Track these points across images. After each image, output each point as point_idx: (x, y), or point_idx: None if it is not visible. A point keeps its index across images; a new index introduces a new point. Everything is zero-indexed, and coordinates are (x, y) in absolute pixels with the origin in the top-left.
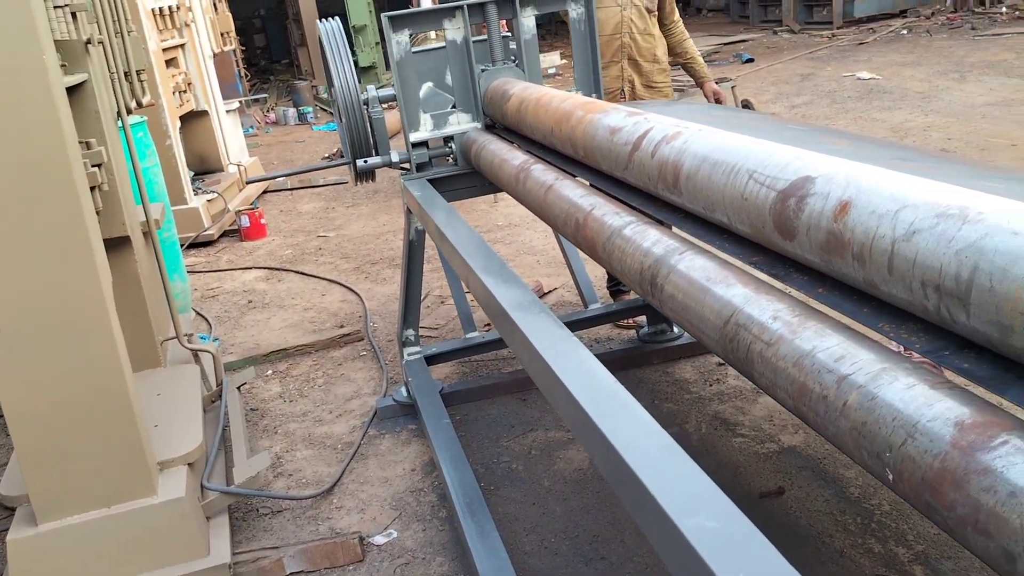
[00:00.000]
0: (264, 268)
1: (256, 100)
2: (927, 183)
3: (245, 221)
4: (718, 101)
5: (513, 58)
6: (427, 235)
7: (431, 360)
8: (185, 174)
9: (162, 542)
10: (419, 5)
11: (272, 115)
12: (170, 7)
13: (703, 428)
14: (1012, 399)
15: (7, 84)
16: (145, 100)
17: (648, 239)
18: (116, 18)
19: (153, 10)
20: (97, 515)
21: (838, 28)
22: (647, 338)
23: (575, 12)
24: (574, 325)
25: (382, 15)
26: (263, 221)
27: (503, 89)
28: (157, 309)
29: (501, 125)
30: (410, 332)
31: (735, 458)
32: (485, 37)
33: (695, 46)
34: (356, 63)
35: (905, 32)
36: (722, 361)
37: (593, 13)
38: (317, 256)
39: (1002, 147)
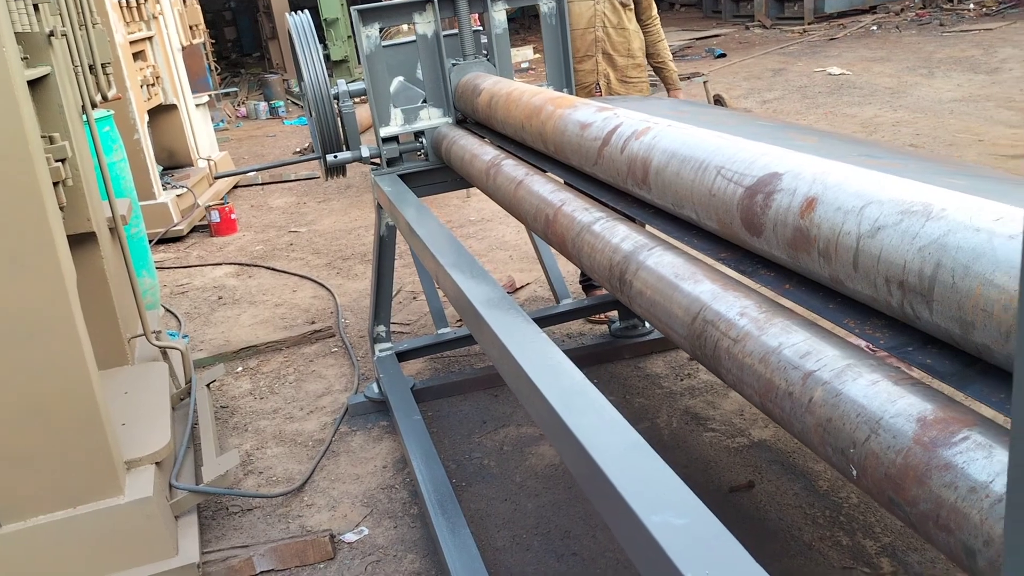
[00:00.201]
0: (234, 264)
1: (226, 94)
2: (892, 179)
3: (215, 216)
4: None
5: (485, 52)
6: (398, 231)
7: (403, 356)
8: (153, 169)
9: (129, 542)
10: None
11: (243, 109)
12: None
13: (674, 423)
14: (973, 394)
15: None
16: (111, 94)
17: (617, 235)
18: (80, 10)
19: (120, 2)
20: (63, 515)
21: (809, 24)
22: (619, 333)
23: (546, 7)
24: (546, 321)
25: (351, 9)
26: (233, 216)
27: (474, 84)
28: (124, 306)
29: (472, 120)
30: (381, 328)
31: (706, 452)
32: (456, 31)
33: (669, 51)
34: (328, 57)
35: (875, 28)
36: (691, 356)
37: (564, 8)
38: (288, 252)
39: (969, 142)
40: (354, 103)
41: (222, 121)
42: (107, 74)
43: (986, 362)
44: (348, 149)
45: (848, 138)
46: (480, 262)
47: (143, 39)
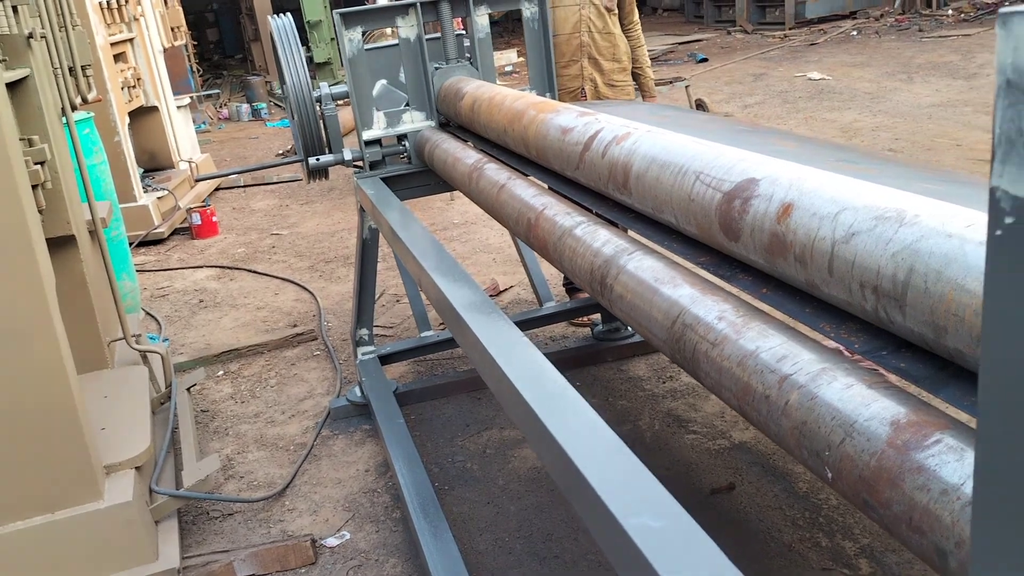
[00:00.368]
0: (216, 267)
1: (208, 96)
2: (867, 186)
3: (196, 219)
4: None
5: (467, 56)
6: (381, 234)
7: (385, 359)
8: (134, 171)
9: (109, 548)
10: (375, 1)
11: (225, 111)
12: (118, 1)
13: (656, 425)
14: (946, 398)
15: None
16: (91, 96)
17: (598, 239)
18: (60, 12)
19: (100, 4)
20: (41, 521)
21: (790, 29)
22: (601, 336)
23: (528, 11)
24: (529, 324)
25: (333, 12)
26: (215, 219)
27: (457, 87)
28: (104, 309)
29: (455, 124)
30: (364, 331)
31: (687, 455)
32: (439, 35)
33: (647, 57)
34: (311, 59)
35: (855, 33)
36: (671, 360)
37: (547, 13)
38: (270, 254)
39: (947, 147)
40: (337, 106)
41: (204, 123)
42: (87, 76)
43: (958, 366)
44: (331, 152)
45: (827, 143)
46: (463, 265)
47: (124, 41)
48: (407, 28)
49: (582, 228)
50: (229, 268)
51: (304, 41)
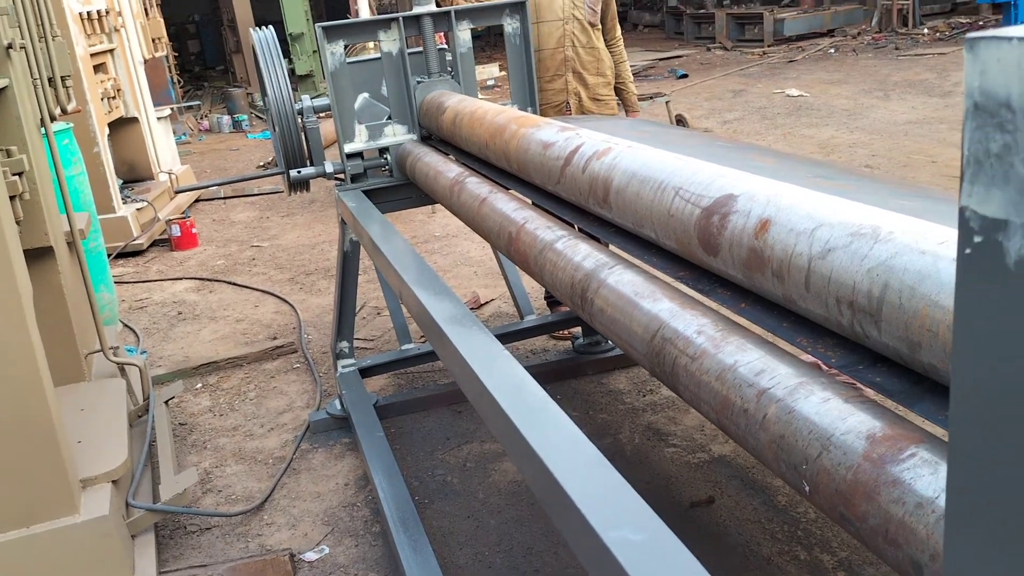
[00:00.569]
0: (195, 279)
1: (189, 107)
2: (843, 202)
3: (176, 230)
4: None
5: (449, 70)
6: (362, 246)
7: (366, 372)
8: (113, 182)
9: (85, 562)
10: (357, 14)
11: (205, 122)
12: (99, 11)
13: (636, 438)
14: (920, 412)
15: None
16: (71, 106)
17: (579, 253)
18: (40, 22)
19: (81, 14)
20: (15, 535)
21: (769, 46)
22: (582, 349)
23: (510, 27)
24: (510, 337)
25: (316, 26)
26: (195, 230)
27: (439, 101)
28: (82, 321)
29: (437, 137)
30: (344, 344)
31: (667, 468)
32: (421, 49)
33: (630, 73)
34: (293, 71)
35: (832, 51)
36: (651, 373)
37: (528, 28)
38: (250, 266)
39: (923, 163)
40: (318, 118)
41: (184, 134)
42: (67, 87)
43: (933, 381)
44: (312, 164)
45: (805, 159)
46: (444, 278)
47: (104, 51)
48: (389, 42)
49: (563, 242)
50: (209, 280)
51: (286, 53)
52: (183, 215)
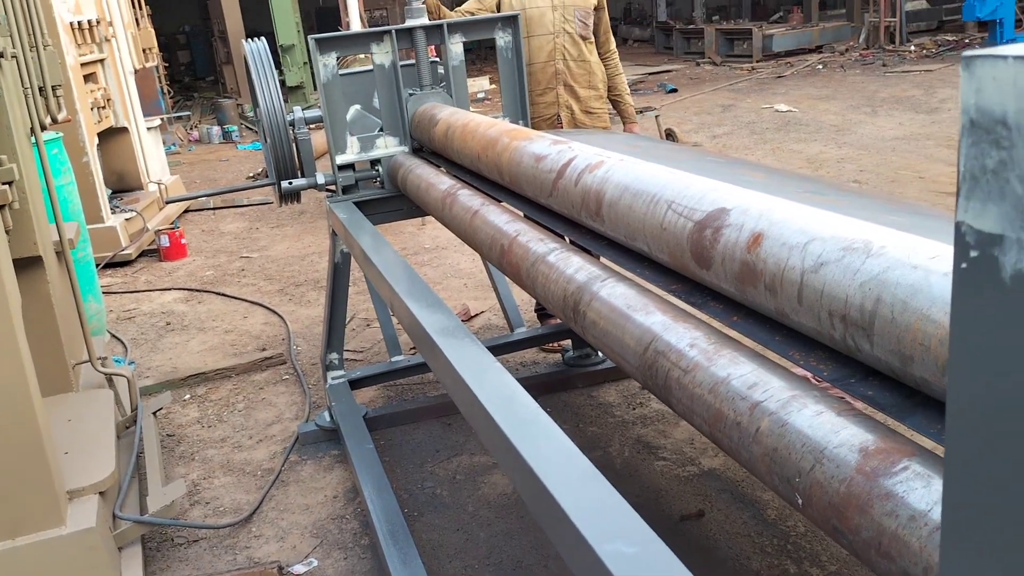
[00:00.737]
0: (184, 289)
1: (179, 117)
2: (835, 217)
3: (165, 241)
4: None
5: (441, 83)
6: (353, 258)
7: (355, 384)
8: (102, 192)
9: (71, 575)
10: (348, 27)
11: (195, 133)
12: (89, 21)
13: (626, 451)
14: (912, 426)
15: None
16: (61, 116)
17: (571, 266)
18: (31, 31)
19: (71, 24)
20: (0, 547)
21: (758, 61)
22: (572, 362)
23: (502, 40)
24: (500, 349)
25: (309, 37)
26: (184, 241)
27: (431, 114)
28: (70, 332)
29: (428, 149)
30: (334, 355)
31: (657, 481)
32: (413, 62)
33: (626, 85)
34: (283, 83)
35: (821, 67)
36: (643, 386)
37: (520, 41)
38: (239, 277)
39: (910, 179)
40: (309, 130)
41: (174, 145)
42: (57, 96)
43: (925, 394)
44: (303, 175)
45: (794, 174)
46: (435, 290)
47: (95, 61)
48: (382, 54)
49: (555, 255)
50: (197, 291)
51: (276, 65)
52: (172, 225)
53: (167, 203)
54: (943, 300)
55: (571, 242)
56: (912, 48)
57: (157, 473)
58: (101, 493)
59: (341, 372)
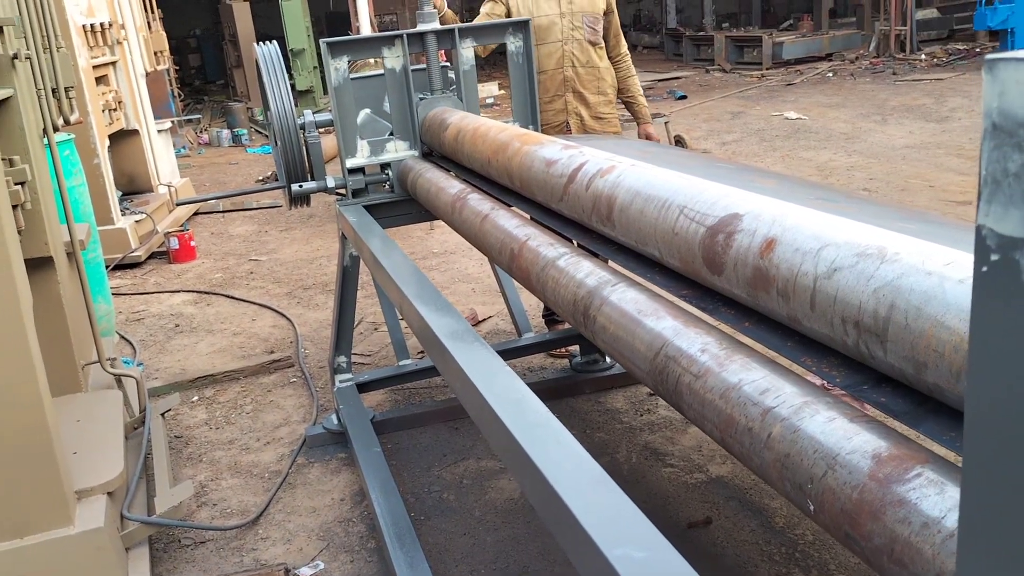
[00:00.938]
0: (193, 291)
1: (189, 120)
2: (848, 223)
3: (174, 243)
4: None
5: (452, 88)
6: (362, 261)
7: (363, 387)
8: (113, 194)
9: (79, 574)
10: (358, 31)
11: (205, 136)
12: (102, 24)
13: (633, 458)
14: (926, 432)
15: None
16: (73, 118)
17: (582, 270)
18: (45, 34)
19: (84, 26)
20: (8, 547)
21: (767, 69)
22: (580, 367)
23: (513, 45)
24: (508, 354)
25: (320, 41)
26: (193, 243)
27: (441, 118)
28: (79, 332)
29: (438, 153)
30: (342, 359)
31: (664, 488)
32: (424, 66)
33: (639, 86)
34: (293, 87)
35: (831, 75)
36: (653, 391)
37: (531, 47)
38: (248, 280)
39: (920, 188)
40: (319, 133)
41: (184, 148)
42: (70, 98)
43: (938, 401)
44: (313, 179)
45: (805, 181)
46: (443, 294)
47: (107, 64)
48: (393, 59)
49: (565, 259)
50: (206, 293)
51: (287, 69)
52: (182, 228)
53: (177, 205)
54: (958, 306)
55: (579, 246)
56: (923, 57)
57: (165, 474)
58: (109, 493)
59: (349, 375)
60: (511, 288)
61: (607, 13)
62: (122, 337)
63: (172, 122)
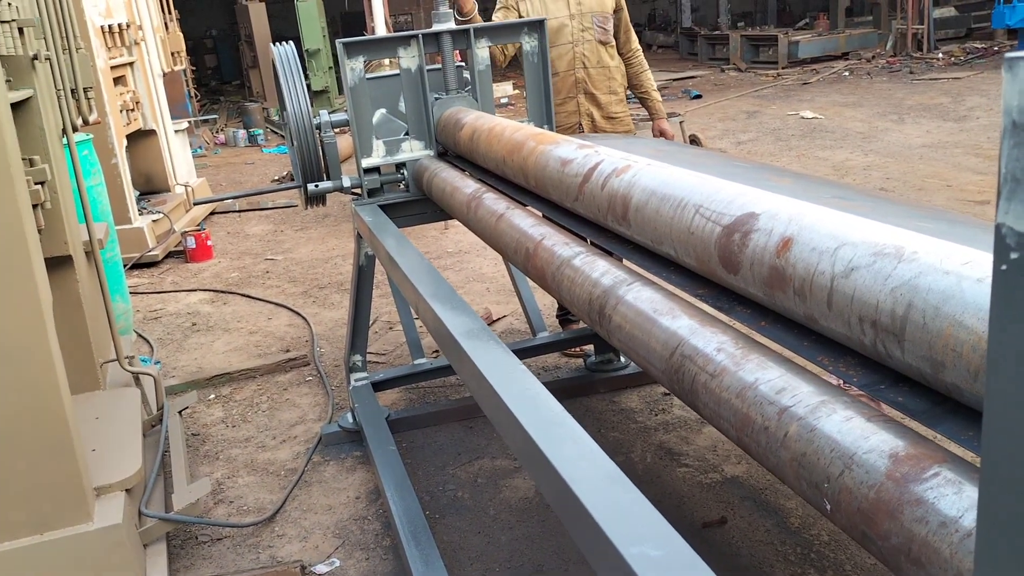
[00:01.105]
0: (209, 290)
1: (205, 121)
2: (865, 222)
3: (191, 242)
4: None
5: (467, 87)
6: (377, 260)
7: (378, 386)
8: (130, 193)
9: (97, 570)
10: (373, 31)
11: (221, 136)
12: (120, 25)
13: (648, 457)
14: (943, 432)
15: None
16: (92, 118)
17: (597, 270)
18: (64, 34)
19: (102, 27)
20: (28, 542)
21: (783, 68)
22: (594, 367)
23: (528, 45)
24: (522, 353)
25: (337, 41)
26: (209, 243)
27: (456, 118)
28: (98, 330)
29: (454, 153)
30: (357, 358)
31: (679, 488)
32: (439, 66)
33: (653, 81)
34: (309, 87)
35: (847, 74)
36: (668, 391)
37: (546, 47)
38: (264, 279)
39: (938, 187)
40: (335, 133)
41: (200, 148)
42: (88, 98)
43: (955, 401)
44: (329, 178)
45: (821, 180)
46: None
47: (124, 64)
48: (408, 59)
49: (581, 258)
50: (222, 292)
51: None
52: (198, 227)
53: (194, 205)
54: (976, 306)
55: (592, 244)
56: (940, 55)
57: (182, 471)
58: (128, 490)
59: (364, 374)
60: (525, 288)
61: (616, 11)
62: (140, 335)
63: (189, 122)
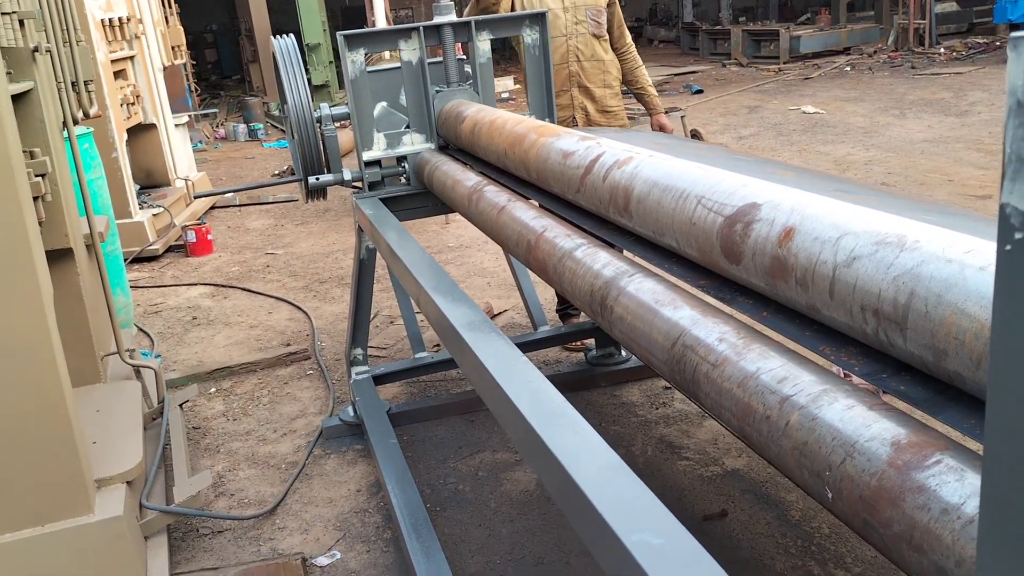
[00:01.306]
0: (210, 284)
1: (206, 115)
2: (867, 211)
3: (191, 236)
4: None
5: (468, 80)
6: (378, 254)
7: (379, 380)
8: (131, 187)
9: (98, 562)
10: (374, 25)
11: (222, 130)
12: (120, 19)
13: (649, 451)
14: (945, 420)
15: None
16: (92, 111)
17: (599, 261)
18: (65, 27)
19: (103, 21)
20: (29, 534)
21: (784, 63)
22: (595, 361)
23: (529, 37)
24: (523, 347)
25: (337, 34)
26: (210, 237)
27: (457, 111)
28: (98, 324)
29: (455, 146)
30: (358, 351)
31: (680, 481)
32: (440, 59)
33: (647, 76)
34: (309, 81)
35: (849, 69)
36: (668, 385)
37: (547, 39)
38: (265, 273)
39: (939, 182)
40: (336, 127)
41: (201, 142)
42: (89, 91)
43: (958, 389)
44: (330, 172)
45: (823, 174)
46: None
47: (125, 58)
48: (409, 51)
49: (582, 250)
50: (223, 286)
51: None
52: (199, 221)
53: (194, 199)
54: (978, 294)
55: (597, 237)
56: (942, 50)
57: (183, 464)
58: (128, 482)
59: (365, 368)
60: (527, 281)
61: (610, 5)
62: (140, 329)
63: (189, 116)
